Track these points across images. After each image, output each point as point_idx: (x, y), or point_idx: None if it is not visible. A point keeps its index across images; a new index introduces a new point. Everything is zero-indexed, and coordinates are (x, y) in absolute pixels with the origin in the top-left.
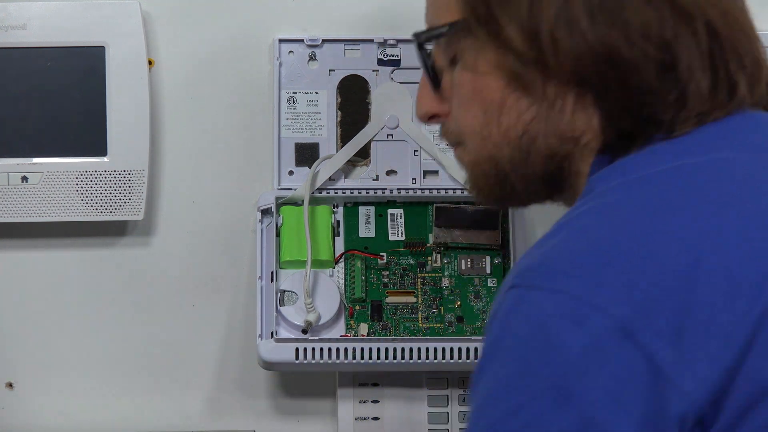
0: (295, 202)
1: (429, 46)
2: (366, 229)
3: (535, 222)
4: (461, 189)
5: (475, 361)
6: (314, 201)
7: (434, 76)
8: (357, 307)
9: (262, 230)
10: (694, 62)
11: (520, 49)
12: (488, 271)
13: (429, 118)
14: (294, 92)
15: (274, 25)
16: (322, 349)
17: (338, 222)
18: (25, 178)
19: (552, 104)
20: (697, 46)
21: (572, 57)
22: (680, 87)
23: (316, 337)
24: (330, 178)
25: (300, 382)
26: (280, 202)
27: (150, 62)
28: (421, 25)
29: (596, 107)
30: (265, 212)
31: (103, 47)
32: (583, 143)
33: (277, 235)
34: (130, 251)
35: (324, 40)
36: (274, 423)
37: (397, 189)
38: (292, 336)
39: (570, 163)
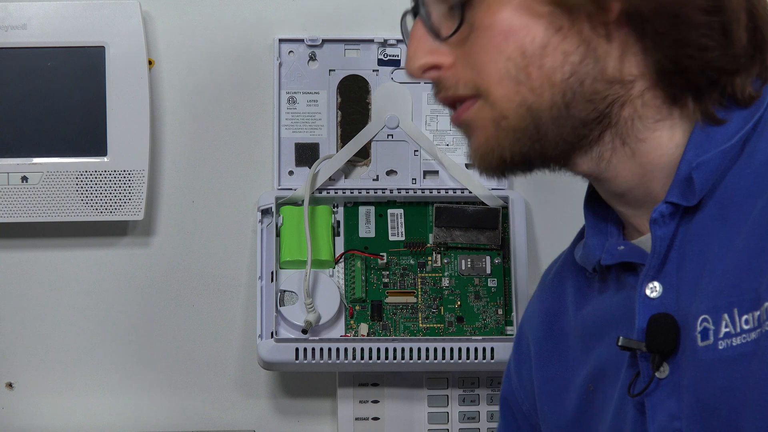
0: (295, 202)
1: None
2: (366, 229)
3: (536, 222)
4: (461, 189)
5: (475, 361)
6: (314, 201)
7: (434, 23)
8: (357, 307)
9: (262, 230)
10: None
11: None
12: (488, 271)
13: (426, 70)
14: (294, 92)
15: (274, 25)
16: (322, 349)
17: (338, 222)
18: (25, 178)
19: (597, 45)
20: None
21: None
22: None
23: (316, 337)
24: (330, 178)
25: (300, 382)
26: (280, 202)
27: (150, 62)
28: None
29: (646, 48)
30: (265, 212)
31: (103, 47)
32: (635, 86)
33: (277, 235)
34: (130, 251)
35: (324, 40)
36: (274, 423)
37: (397, 189)
38: (292, 336)
39: (620, 108)
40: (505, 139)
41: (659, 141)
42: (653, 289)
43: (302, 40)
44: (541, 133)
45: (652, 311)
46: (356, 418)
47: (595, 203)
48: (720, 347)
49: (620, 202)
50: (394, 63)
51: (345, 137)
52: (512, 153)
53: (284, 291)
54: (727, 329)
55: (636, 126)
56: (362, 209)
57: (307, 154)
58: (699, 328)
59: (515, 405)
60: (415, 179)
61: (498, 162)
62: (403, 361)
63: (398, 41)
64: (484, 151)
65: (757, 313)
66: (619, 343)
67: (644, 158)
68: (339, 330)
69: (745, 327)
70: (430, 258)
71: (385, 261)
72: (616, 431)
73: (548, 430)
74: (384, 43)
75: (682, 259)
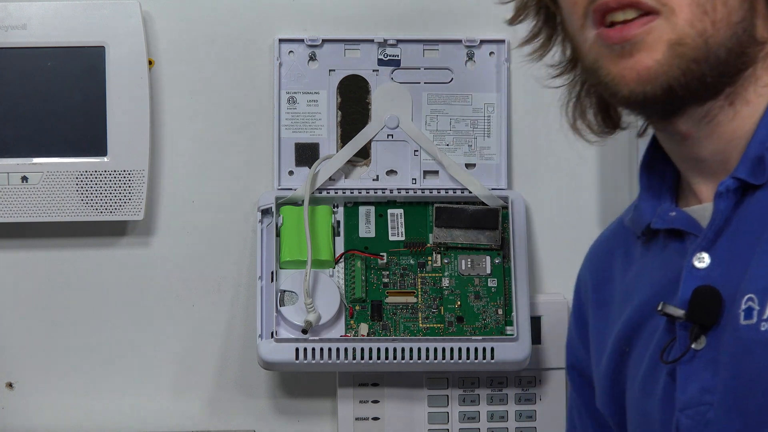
0: (295, 202)
1: None
2: (366, 229)
3: (535, 222)
4: (461, 189)
5: (475, 361)
6: (314, 201)
7: None
8: (357, 307)
9: (262, 230)
10: None
11: None
12: (488, 271)
13: None
14: (294, 92)
15: (274, 25)
16: (322, 349)
17: (338, 222)
18: (25, 178)
19: (757, 1)
20: None
21: None
22: None
23: (316, 337)
24: (330, 178)
25: (300, 382)
26: (280, 202)
27: (150, 62)
28: (420, 26)
29: None
30: (265, 212)
31: (103, 47)
32: (765, 49)
33: (277, 235)
34: (130, 251)
35: (324, 40)
36: (274, 423)
37: (397, 189)
38: (292, 336)
39: (752, 67)
40: (678, 68)
41: (758, 108)
42: (701, 260)
43: (302, 40)
44: (705, 71)
45: (698, 282)
46: (356, 418)
47: (653, 167)
48: (762, 328)
49: (694, 168)
50: (394, 63)
51: (345, 137)
52: (678, 84)
53: (284, 291)
54: None
55: (749, 88)
56: (362, 209)
57: (307, 154)
58: (743, 307)
59: (584, 372)
60: (415, 179)
61: (660, 89)
62: (403, 361)
63: (398, 41)
64: (651, 75)
65: None
66: (659, 309)
67: (740, 123)
68: (339, 330)
69: None
70: (430, 258)
71: (385, 261)
72: (646, 394)
73: (597, 395)
74: (384, 43)
75: (736, 234)
